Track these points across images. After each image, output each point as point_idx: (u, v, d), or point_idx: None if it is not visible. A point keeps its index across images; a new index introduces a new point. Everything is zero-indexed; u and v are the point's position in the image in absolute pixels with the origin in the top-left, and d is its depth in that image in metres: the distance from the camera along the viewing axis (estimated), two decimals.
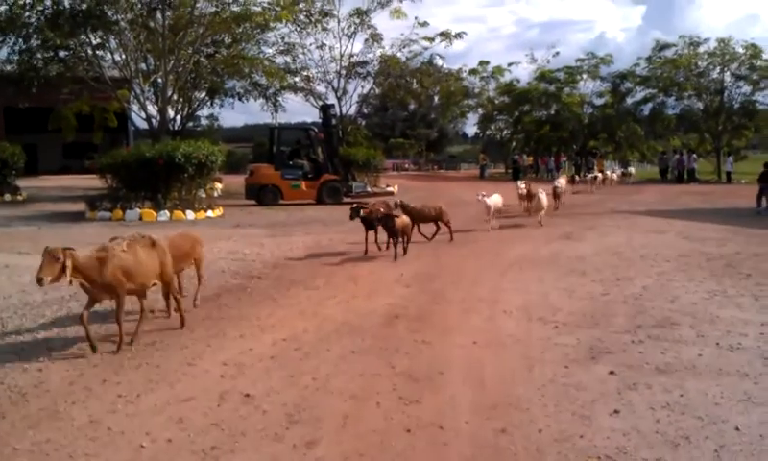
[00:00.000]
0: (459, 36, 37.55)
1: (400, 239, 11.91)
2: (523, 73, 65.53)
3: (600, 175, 32.01)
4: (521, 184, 17.34)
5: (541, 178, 40.96)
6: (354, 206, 12.12)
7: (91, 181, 25.02)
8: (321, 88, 37.82)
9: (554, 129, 48.44)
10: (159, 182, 19.34)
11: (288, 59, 34.36)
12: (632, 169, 39.09)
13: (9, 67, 28.62)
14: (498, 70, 50.91)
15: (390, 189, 28.20)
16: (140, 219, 18.54)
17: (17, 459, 4.30)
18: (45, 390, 5.53)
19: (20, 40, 27.16)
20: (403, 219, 12.13)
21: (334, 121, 27.18)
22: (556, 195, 20.52)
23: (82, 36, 25.69)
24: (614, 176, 34.20)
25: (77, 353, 6.51)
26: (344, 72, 36.90)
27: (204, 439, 4.56)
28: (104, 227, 17.16)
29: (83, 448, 4.45)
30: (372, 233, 12.44)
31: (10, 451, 4.40)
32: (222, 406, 5.14)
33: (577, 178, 29.99)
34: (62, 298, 8.84)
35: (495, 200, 16.02)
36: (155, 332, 7.25)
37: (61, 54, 27.50)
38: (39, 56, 27.54)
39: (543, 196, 16.82)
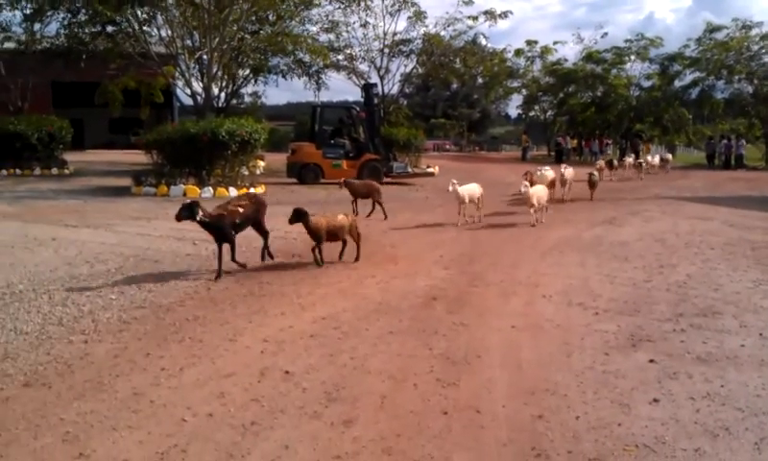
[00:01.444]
0: (504, 15, 37.07)
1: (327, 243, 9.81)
2: (569, 53, 64.48)
3: (631, 160, 30.43)
4: (524, 182, 13.88)
5: (585, 161, 40.34)
6: (187, 203, 8.82)
7: (136, 157, 25.43)
8: (363, 67, 37.78)
9: (599, 111, 47.58)
10: (203, 159, 19.55)
11: (332, 37, 34.46)
12: (669, 155, 36.88)
13: (57, 42, 29.20)
14: (547, 50, 50.03)
15: (430, 170, 28.09)
16: (184, 195, 18.76)
17: (62, 428, 4.43)
18: (90, 362, 5.69)
19: (69, 15, 27.71)
20: (319, 221, 9.65)
21: (376, 100, 27.09)
22: (592, 183, 19.06)
23: (128, 12, 26.03)
24: (654, 161, 32.55)
25: (122, 326, 6.68)
26: (387, 51, 36.77)
27: (245, 414, 4.66)
28: (148, 202, 17.48)
29: (125, 420, 4.57)
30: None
31: (56, 421, 4.54)
32: (262, 382, 5.24)
33: (615, 163, 28.63)
34: (108, 271, 9.06)
35: (471, 190, 13.92)
36: (197, 307, 7.40)
37: (109, 29, 27.93)
38: (87, 31, 28.06)
39: (536, 189, 14.21)
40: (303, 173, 24.15)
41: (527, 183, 13.71)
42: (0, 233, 11.80)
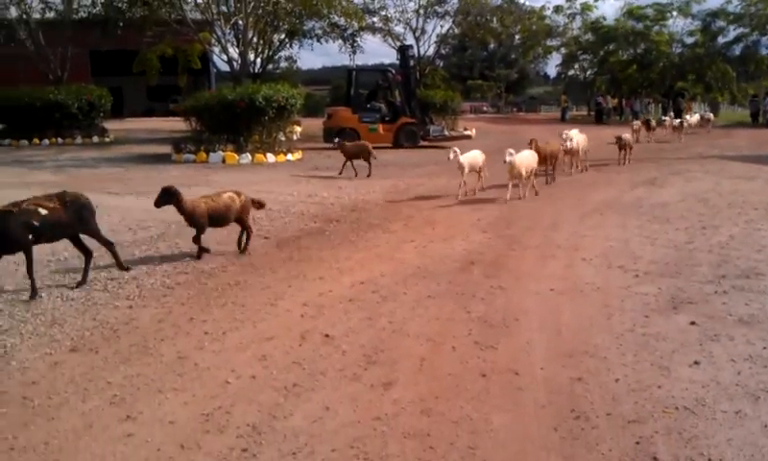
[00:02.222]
0: None
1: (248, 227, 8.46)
2: (609, 10, 62.83)
3: (670, 119, 28.70)
4: (508, 151, 11.55)
5: (626, 121, 39.59)
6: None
7: (175, 124, 25.71)
8: (399, 29, 37.59)
9: (641, 69, 46.50)
10: (241, 125, 19.68)
11: None
12: (710, 114, 34.63)
13: (94, 10, 29.47)
14: (588, 6, 48.85)
15: (467, 133, 27.85)
16: (223, 162, 18.98)
17: (110, 391, 4.56)
18: (135, 327, 5.83)
19: None
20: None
21: (412, 62, 26.91)
22: (621, 146, 17.77)
23: None
24: (693, 120, 30.82)
25: (165, 292, 6.82)
26: (422, 11, 36.42)
27: (287, 376, 4.75)
28: (188, 169, 17.70)
29: (171, 383, 4.69)
30: None
31: (103, 385, 4.67)
32: (303, 346, 5.32)
33: (653, 123, 27.28)
34: (151, 238, 9.24)
35: (473, 158, 12.66)
36: (238, 272, 7.51)
37: None
38: None
39: (521, 157, 11.98)
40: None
41: (512, 151, 11.61)
42: None
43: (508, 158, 11.41)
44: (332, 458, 3.75)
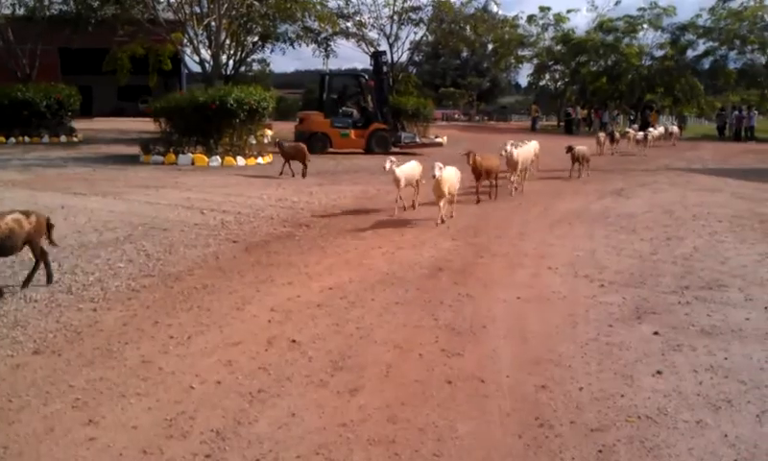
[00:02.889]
0: None
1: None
2: (582, 21, 63.65)
3: (634, 132, 27.38)
4: (437, 168, 10.18)
5: (594, 132, 40.08)
6: None
7: (145, 125, 25.43)
8: (373, 34, 37.54)
9: (611, 81, 47.14)
10: (212, 128, 19.54)
11: (341, 3, 34.32)
12: (675, 127, 34.16)
13: (66, 8, 29.11)
14: (561, 18, 49.39)
15: (439, 140, 27.94)
16: (192, 164, 18.84)
17: (72, 395, 4.50)
18: (99, 329, 5.75)
19: None
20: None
21: (385, 69, 26.93)
22: (575, 158, 16.63)
23: None
24: (656, 133, 29.67)
25: (130, 294, 6.74)
26: (396, 18, 36.51)
27: (252, 382, 4.72)
28: (157, 170, 17.53)
29: (134, 388, 4.63)
30: None
31: (65, 388, 4.60)
32: (269, 351, 5.29)
33: (617, 135, 26.69)
34: (117, 239, 9.13)
35: (410, 170, 11.62)
36: (205, 275, 7.46)
37: None
38: None
39: (446, 175, 10.52)
40: (311, 142, 24.06)
41: (440, 165, 10.25)
42: (9, 201, 11.86)
43: (436, 173, 10.21)
44: None
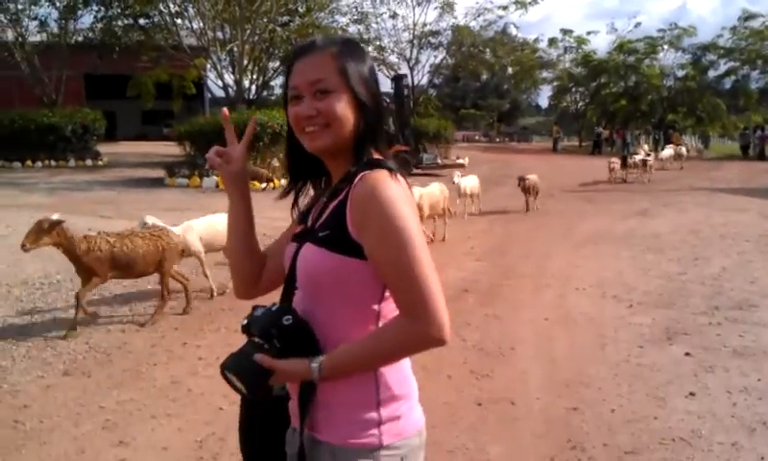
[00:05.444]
0: (534, 1, 36.66)
1: None
2: (601, 43, 63.40)
3: (638, 157, 23.29)
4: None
5: (617, 152, 39.85)
6: None
7: (169, 148, 25.71)
8: (393, 58, 37.80)
9: (632, 101, 46.87)
10: None
11: (361, 28, 34.59)
12: (683, 149, 31.22)
13: (90, 35, 29.63)
14: (581, 40, 49.16)
15: (460, 161, 27.93)
16: (216, 186, 18.95)
17: (102, 416, 4.52)
18: (128, 351, 5.79)
19: (102, 8, 28.11)
20: None
21: (406, 92, 27.05)
22: (525, 188, 14.43)
23: (161, 5, 26.31)
24: (666, 154, 27.63)
25: (158, 317, 6.78)
26: (416, 42, 36.75)
27: None
28: (182, 193, 17.68)
29: (164, 409, 4.65)
30: None
31: (96, 409, 4.63)
32: None
33: (630, 160, 23.29)
34: None
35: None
36: (232, 297, 7.47)
37: (141, 22, 28.28)
38: (120, 23, 28.43)
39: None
40: None
41: None
42: None
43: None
44: None
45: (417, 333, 1.51)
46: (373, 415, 1.58)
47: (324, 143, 1.61)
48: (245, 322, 1.64)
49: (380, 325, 1.59)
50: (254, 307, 1.65)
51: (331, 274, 1.55)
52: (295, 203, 1.80)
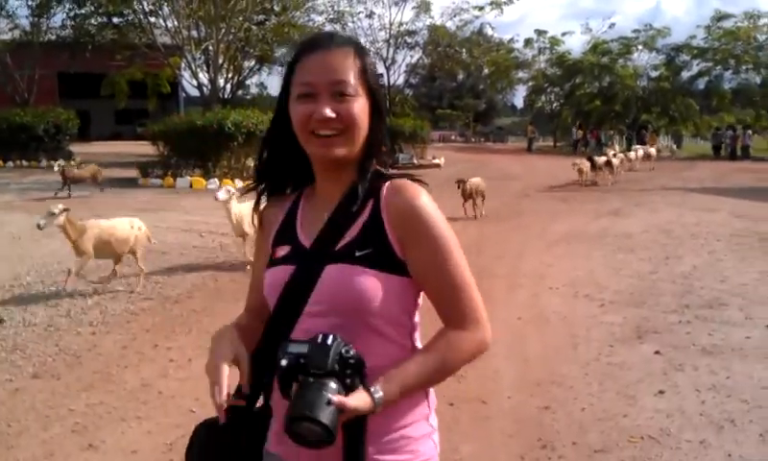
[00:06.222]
0: (510, 1, 36.87)
1: None
2: (576, 43, 63.88)
3: (603, 159, 22.25)
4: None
5: (591, 151, 40.16)
6: None
7: (143, 148, 25.46)
8: None
9: (606, 102, 47.26)
10: (209, 151, 19.60)
11: (337, 27, 34.50)
12: (652, 150, 30.44)
13: (63, 33, 29.30)
14: (555, 41, 49.50)
15: (436, 161, 28.08)
16: (191, 187, 18.87)
17: (72, 419, 4.47)
18: (98, 354, 5.73)
19: (75, 6, 27.82)
20: None
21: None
22: (466, 194, 13.42)
23: (135, 3, 26.10)
24: (632, 156, 27.09)
25: (129, 318, 6.73)
26: (392, 41, 36.83)
27: None
28: (155, 193, 17.55)
29: (134, 411, 4.60)
30: None
31: (65, 412, 4.58)
32: None
33: (599, 161, 21.81)
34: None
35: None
36: (205, 298, 7.44)
37: (115, 20, 28.04)
38: (93, 22, 28.16)
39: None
40: None
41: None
42: (7, 225, 11.85)
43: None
44: None
45: (479, 342, 1.53)
46: (427, 428, 1.57)
47: (341, 151, 1.47)
48: (285, 361, 1.36)
49: (413, 339, 1.56)
50: (288, 341, 1.41)
51: (380, 294, 1.44)
52: (257, 205, 1.70)
